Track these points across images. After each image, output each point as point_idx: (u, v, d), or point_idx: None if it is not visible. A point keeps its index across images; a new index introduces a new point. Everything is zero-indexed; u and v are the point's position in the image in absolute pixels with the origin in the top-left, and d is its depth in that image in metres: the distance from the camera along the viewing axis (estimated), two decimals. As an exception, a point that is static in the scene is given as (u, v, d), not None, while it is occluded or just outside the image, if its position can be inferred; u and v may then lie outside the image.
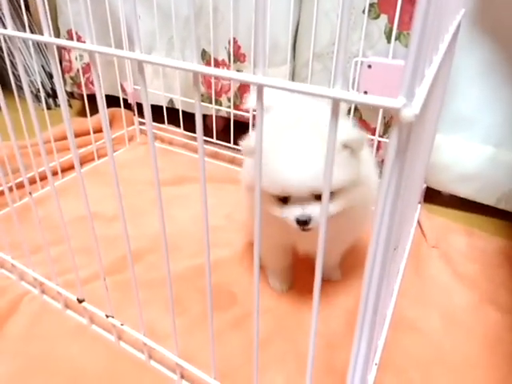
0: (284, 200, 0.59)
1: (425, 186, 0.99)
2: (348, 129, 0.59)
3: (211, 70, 0.35)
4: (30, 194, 0.65)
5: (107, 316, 0.65)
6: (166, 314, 0.72)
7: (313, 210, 0.57)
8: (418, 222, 0.96)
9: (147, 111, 0.42)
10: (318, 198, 0.57)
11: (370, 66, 0.94)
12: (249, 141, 0.62)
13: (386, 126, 1.01)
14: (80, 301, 0.68)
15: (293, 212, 0.58)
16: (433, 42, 0.38)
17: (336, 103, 0.31)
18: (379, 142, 1.02)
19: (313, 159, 0.55)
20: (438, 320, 0.73)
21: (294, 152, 0.56)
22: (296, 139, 0.57)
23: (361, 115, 1.03)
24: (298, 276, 0.81)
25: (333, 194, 0.57)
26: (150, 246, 0.88)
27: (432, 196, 1.04)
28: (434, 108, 0.61)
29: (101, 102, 0.45)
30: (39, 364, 0.65)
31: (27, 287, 0.78)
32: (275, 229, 0.64)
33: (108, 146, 0.47)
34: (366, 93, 0.95)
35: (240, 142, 0.62)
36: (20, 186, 1.02)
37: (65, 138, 1.22)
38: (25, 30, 1.26)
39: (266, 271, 0.80)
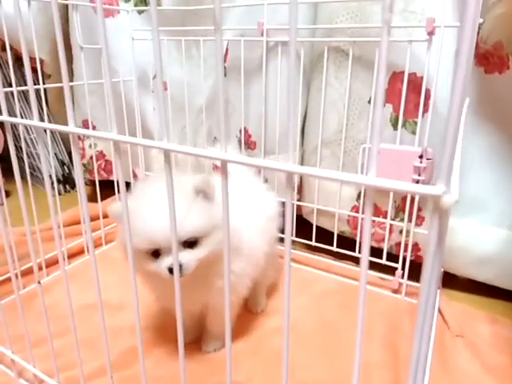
0: (156, 254, 0.62)
1: (442, 270, 0.96)
2: (196, 176, 0.66)
3: (241, 159, 0.35)
4: (39, 282, 0.63)
5: (112, 420, 0.59)
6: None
7: (182, 256, 0.60)
8: (439, 308, 0.92)
9: (171, 196, 0.41)
10: (185, 245, 0.62)
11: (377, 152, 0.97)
12: (116, 205, 0.65)
13: (397, 210, 1.01)
14: (83, 401, 0.62)
15: (165, 263, 0.62)
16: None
17: (370, 189, 0.31)
18: (391, 225, 1.01)
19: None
20: (472, 419, 0.67)
21: (155, 206, 0.61)
22: (155, 194, 0.62)
23: (371, 199, 1.04)
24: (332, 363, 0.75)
25: (197, 241, 0.62)
26: (158, 338, 0.84)
27: (450, 281, 1.00)
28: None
29: (123, 187, 0.45)
30: None
31: (25, 385, 0.72)
32: (160, 293, 0.74)
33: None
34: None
35: (107, 208, 0.66)
36: (23, 273, 0.99)
37: (72, 223, 1.22)
38: (43, 121, 1.32)
39: None
